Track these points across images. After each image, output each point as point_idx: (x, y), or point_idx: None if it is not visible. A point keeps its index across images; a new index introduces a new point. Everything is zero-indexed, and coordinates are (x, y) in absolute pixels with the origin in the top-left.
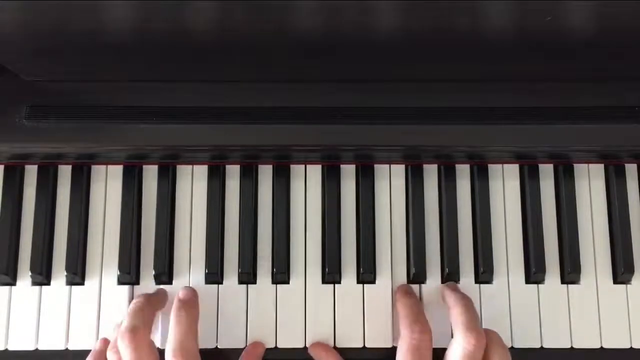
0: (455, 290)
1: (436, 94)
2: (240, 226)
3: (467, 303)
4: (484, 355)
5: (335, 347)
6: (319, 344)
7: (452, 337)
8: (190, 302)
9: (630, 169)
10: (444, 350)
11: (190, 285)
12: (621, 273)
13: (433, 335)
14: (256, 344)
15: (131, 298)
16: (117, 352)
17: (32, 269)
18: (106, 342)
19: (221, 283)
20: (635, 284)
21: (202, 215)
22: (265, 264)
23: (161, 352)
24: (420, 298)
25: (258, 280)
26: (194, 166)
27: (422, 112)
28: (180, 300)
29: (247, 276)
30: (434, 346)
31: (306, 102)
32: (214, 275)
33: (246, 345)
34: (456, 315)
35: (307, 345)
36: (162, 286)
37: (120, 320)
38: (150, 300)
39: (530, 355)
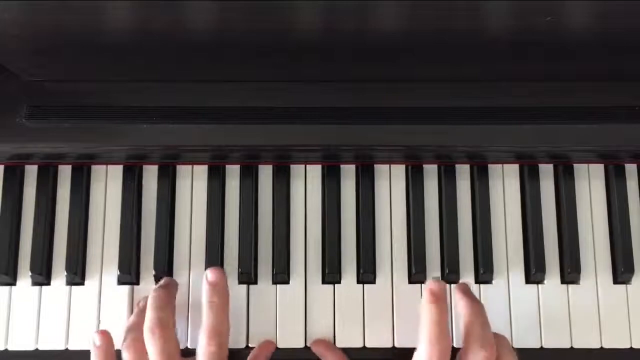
0: (466, 294)
1: (437, 94)
2: (240, 226)
3: (477, 310)
4: None
5: None
6: (321, 341)
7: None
8: (221, 284)
9: (630, 169)
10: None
11: (219, 267)
12: (621, 273)
13: None
14: (269, 343)
15: (131, 298)
16: (136, 350)
17: (32, 269)
18: (108, 336)
19: None
20: (635, 284)
21: (202, 216)
22: (265, 264)
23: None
24: (421, 298)
25: (258, 281)
26: (194, 166)
27: (422, 112)
28: (210, 284)
29: (247, 276)
30: None
31: (306, 102)
32: None
33: (246, 345)
34: (467, 325)
35: (308, 345)
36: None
37: (132, 319)
38: (170, 293)
39: (530, 355)
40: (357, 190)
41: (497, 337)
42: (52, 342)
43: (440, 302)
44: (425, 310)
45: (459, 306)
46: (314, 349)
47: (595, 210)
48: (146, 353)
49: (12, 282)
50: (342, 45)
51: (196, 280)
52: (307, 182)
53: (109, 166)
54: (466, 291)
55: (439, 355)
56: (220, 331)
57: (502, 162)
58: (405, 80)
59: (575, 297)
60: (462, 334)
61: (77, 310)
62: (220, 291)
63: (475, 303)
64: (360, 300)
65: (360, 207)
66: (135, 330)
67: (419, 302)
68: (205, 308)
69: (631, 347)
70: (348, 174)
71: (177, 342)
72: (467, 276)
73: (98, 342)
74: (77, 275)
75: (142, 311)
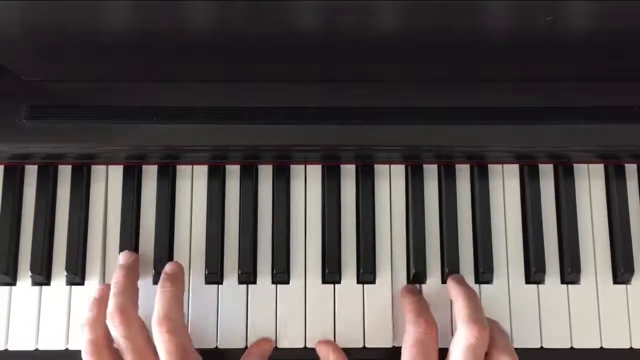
0: (460, 282)
1: (436, 94)
2: (240, 226)
3: (470, 295)
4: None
5: None
6: (326, 342)
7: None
8: (176, 274)
9: (630, 169)
10: (445, 350)
11: (177, 261)
12: (621, 273)
13: None
14: (264, 341)
15: None
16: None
17: (32, 269)
18: (107, 288)
19: (221, 283)
20: (635, 284)
21: (202, 215)
22: (265, 264)
23: None
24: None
25: (258, 280)
26: (194, 166)
27: (422, 112)
28: (165, 273)
29: (247, 276)
30: None
31: (306, 102)
32: (214, 275)
33: (246, 346)
34: (459, 307)
35: (308, 345)
36: None
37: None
38: (129, 275)
39: (530, 355)
40: (357, 190)
41: (489, 320)
42: (52, 342)
43: (416, 292)
44: (405, 300)
45: (452, 293)
46: (318, 348)
47: (595, 210)
48: (103, 344)
49: (12, 282)
50: (342, 45)
51: (196, 280)
52: (307, 182)
53: (109, 166)
54: (459, 280)
55: (425, 327)
56: (171, 317)
57: (502, 162)
58: (404, 80)
59: (575, 297)
60: (455, 317)
61: (77, 310)
62: (173, 279)
63: (467, 289)
64: (360, 300)
65: (360, 207)
66: (89, 325)
67: None
68: (157, 295)
69: (631, 347)
70: (348, 174)
71: (141, 324)
72: (467, 276)
73: (97, 295)
74: (77, 275)
75: (98, 301)
